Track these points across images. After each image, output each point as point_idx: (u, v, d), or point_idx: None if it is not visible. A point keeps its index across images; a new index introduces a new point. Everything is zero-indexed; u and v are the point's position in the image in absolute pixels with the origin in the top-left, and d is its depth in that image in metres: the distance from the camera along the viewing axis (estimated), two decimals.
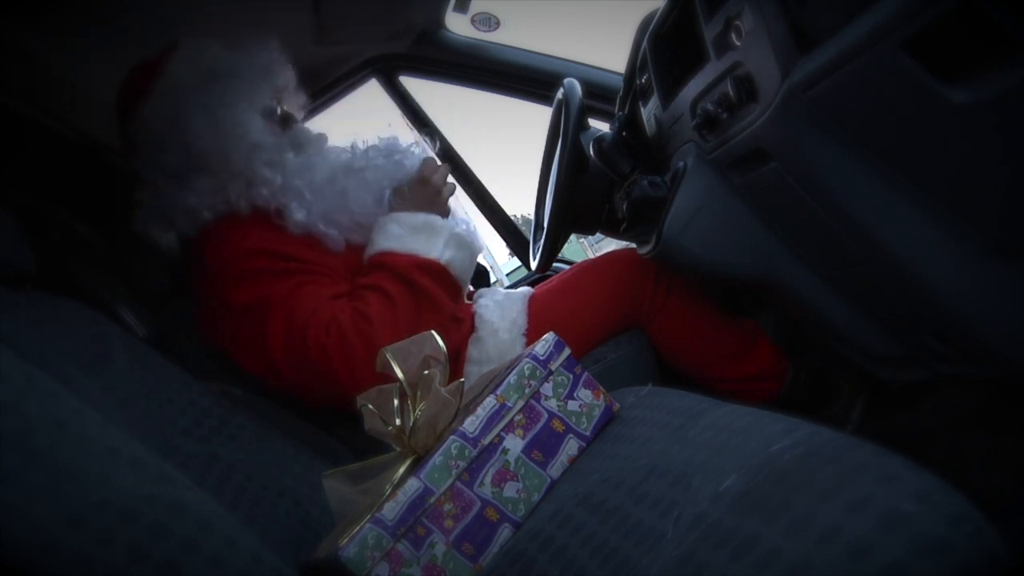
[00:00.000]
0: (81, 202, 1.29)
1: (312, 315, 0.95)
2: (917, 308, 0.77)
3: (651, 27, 1.01)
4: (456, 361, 1.08)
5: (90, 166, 1.37)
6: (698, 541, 0.38)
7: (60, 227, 1.19)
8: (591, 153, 1.10)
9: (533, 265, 1.29)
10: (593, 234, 1.32)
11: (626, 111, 1.20)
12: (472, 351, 1.11)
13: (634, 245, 1.14)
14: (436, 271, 1.02)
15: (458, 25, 1.58)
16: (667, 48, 1.00)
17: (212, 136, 1.02)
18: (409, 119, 1.72)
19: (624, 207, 1.00)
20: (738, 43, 0.78)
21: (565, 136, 1.11)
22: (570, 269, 1.26)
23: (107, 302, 1.11)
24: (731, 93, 0.80)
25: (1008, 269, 0.63)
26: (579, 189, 1.15)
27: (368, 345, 0.93)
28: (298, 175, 1.03)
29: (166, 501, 0.54)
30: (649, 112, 1.08)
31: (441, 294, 1.02)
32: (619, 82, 1.61)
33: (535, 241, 1.33)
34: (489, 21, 1.51)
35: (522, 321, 1.14)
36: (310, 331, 0.95)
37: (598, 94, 1.55)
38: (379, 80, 1.71)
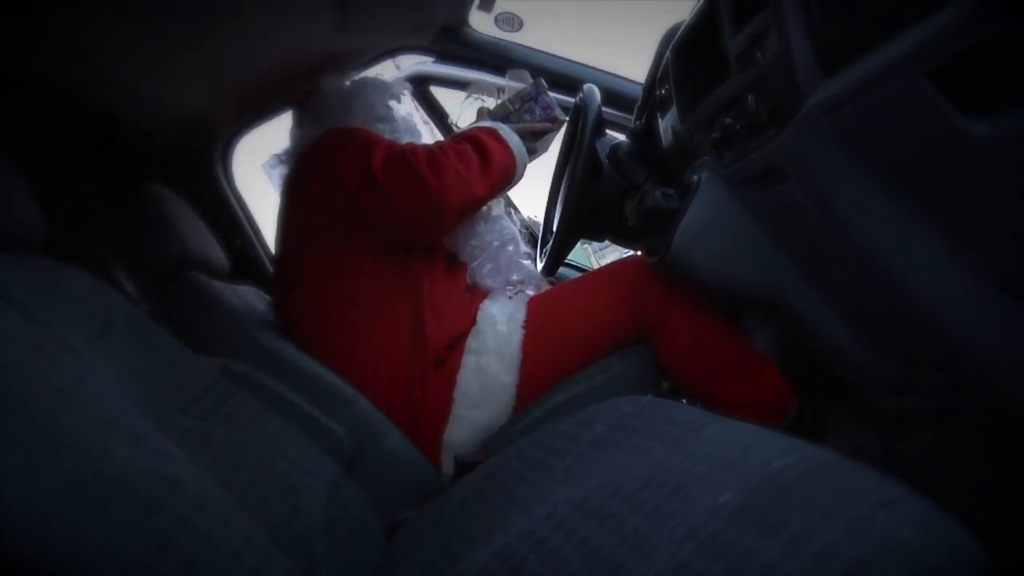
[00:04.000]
0: (95, 173, 1.29)
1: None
2: (920, 336, 0.77)
3: (675, 39, 1.02)
4: (456, 349, 1.13)
5: (106, 138, 1.37)
6: (694, 552, 0.38)
7: (72, 196, 1.19)
8: (605, 160, 1.10)
9: (539, 267, 1.29)
10: (602, 240, 1.32)
11: (643, 121, 1.20)
12: (471, 342, 1.14)
13: (640, 253, 1.14)
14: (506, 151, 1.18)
15: (481, 23, 1.59)
16: (689, 61, 1.00)
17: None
18: (439, 129, 1.80)
19: (635, 216, 1.00)
20: (762, 61, 0.78)
21: (581, 142, 1.11)
22: (578, 276, 1.28)
23: (114, 274, 1.11)
24: (752, 110, 0.80)
25: (1015, 305, 0.63)
26: (591, 195, 1.15)
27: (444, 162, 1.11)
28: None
29: (162, 476, 0.54)
30: (666, 124, 1.08)
31: (498, 168, 1.15)
32: (637, 91, 1.61)
33: (543, 244, 1.33)
34: (512, 21, 1.52)
35: (520, 315, 1.16)
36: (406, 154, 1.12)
37: (615, 102, 1.55)
38: (413, 92, 1.77)
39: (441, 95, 1.81)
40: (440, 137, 1.68)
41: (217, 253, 1.28)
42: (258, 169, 1.40)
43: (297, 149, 1.25)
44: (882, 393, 0.97)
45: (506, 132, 1.17)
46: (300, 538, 0.77)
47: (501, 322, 1.13)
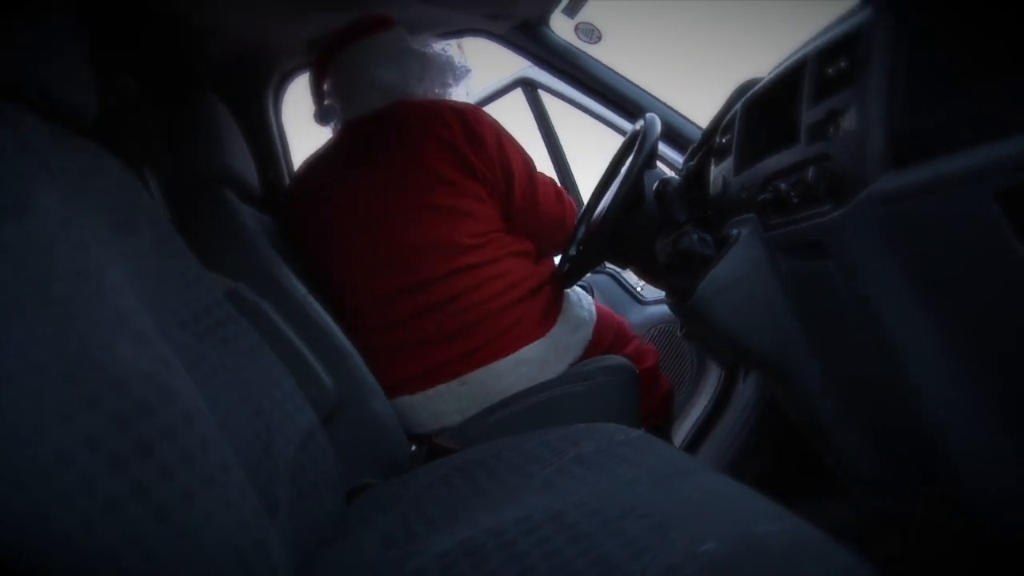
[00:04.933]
0: (149, 75, 1.29)
1: None
2: (917, 443, 0.78)
3: (750, 94, 1.02)
4: (549, 318, 1.25)
5: (165, 44, 1.37)
6: None
7: (122, 91, 1.19)
8: (649, 192, 1.11)
9: (557, 275, 1.30)
10: (624, 268, 1.33)
11: (695, 163, 1.20)
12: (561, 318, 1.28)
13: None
14: None
15: (561, 27, 1.59)
16: (758, 118, 1.01)
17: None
18: (541, 134, 1.89)
19: (666, 253, 1.01)
20: (833, 137, 0.78)
21: (631, 168, 1.11)
22: None
23: (144, 176, 1.11)
24: (810, 181, 0.81)
25: (1016, 444, 0.63)
26: (626, 222, 1.15)
27: None
28: None
29: (158, 383, 0.55)
30: (719, 172, 1.09)
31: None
32: (690, 130, 1.62)
33: (567, 254, 1.33)
34: (591, 32, 1.52)
35: (593, 310, 1.37)
36: None
37: (667, 135, 1.56)
38: (525, 94, 1.86)
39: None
40: (543, 145, 1.84)
41: (253, 178, 1.29)
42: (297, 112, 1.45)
43: (382, 88, 1.25)
44: (860, 487, 0.98)
45: None
46: (266, 478, 0.77)
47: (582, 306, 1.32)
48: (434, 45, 1.33)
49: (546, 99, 1.88)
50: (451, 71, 1.32)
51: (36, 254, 0.52)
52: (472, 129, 1.20)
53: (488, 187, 1.21)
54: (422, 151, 1.19)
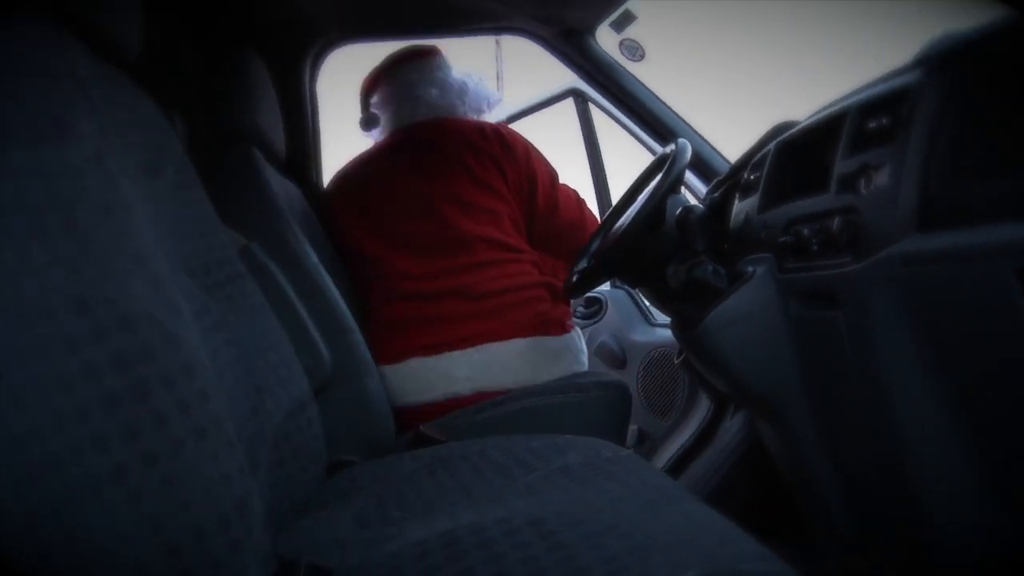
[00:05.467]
0: (194, 23, 1.29)
1: None
2: (899, 503, 0.78)
3: (785, 135, 1.02)
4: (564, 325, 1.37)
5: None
6: None
7: (167, 33, 1.19)
8: (671, 217, 1.11)
9: (566, 284, 1.30)
10: (633, 288, 1.33)
11: (719, 195, 1.21)
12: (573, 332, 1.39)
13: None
14: None
15: (606, 40, 1.59)
16: (790, 160, 1.01)
17: None
18: (586, 146, 1.94)
19: (678, 280, 1.01)
20: (863, 191, 0.79)
21: (657, 189, 1.11)
22: None
23: (173, 122, 1.11)
24: (833, 231, 0.81)
25: (1009, 518, 0.64)
26: (642, 243, 1.15)
27: None
28: None
29: (164, 330, 0.55)
30: (742, 207, 1.09)
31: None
32: (717, 162, 1.63)
33: (575, 266, 1.33)
34: (635, 50, 1.52)
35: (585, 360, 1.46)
36: None
37: (694, 163, 1.56)
38: (576, 104, 1.89)
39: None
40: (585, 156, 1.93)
41: (280, 141, 1.29)
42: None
43: (427, 104, 1.42)
44: (832, 538, 0.98)
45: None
46: (249, 439, 0.77)
47: None
48: (472, 76, 1.52)
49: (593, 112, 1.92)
50: (486, 99, 1.52)
51: (68, 180, 0.52)
52: (505, 141, 1.40)
53: (515, 191, 1.38)
54: (462, 154, 1.36)
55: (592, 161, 2.08)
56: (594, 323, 1.91)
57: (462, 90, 1.46)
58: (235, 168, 1.15)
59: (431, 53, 1.51)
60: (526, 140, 1.45)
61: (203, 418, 0.54)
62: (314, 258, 1.13)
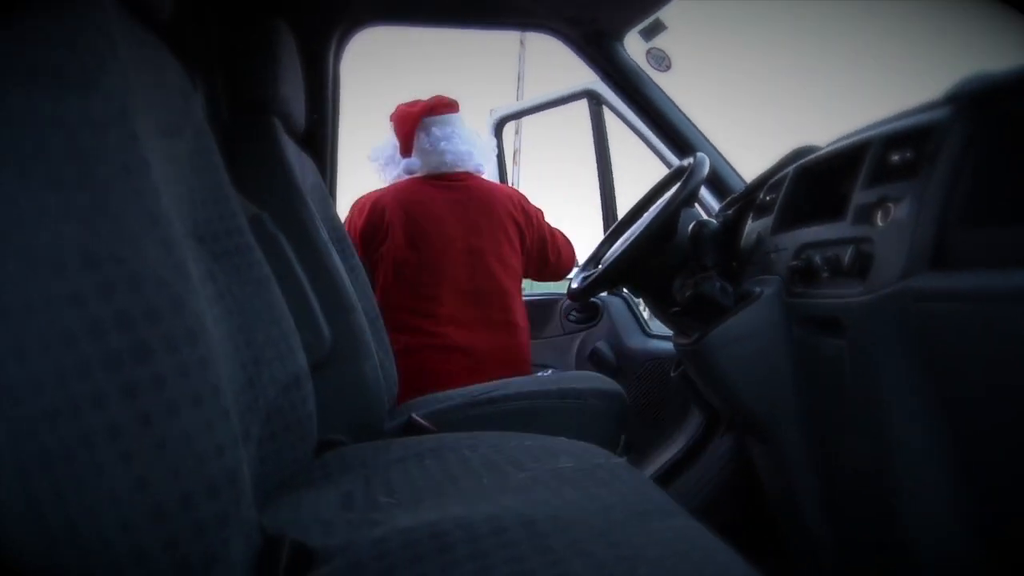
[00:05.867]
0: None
1: None
2: (885, 536, 0.78)
3: (805, 160, 1.02)
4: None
5: None
6: None
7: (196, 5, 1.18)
8: (685, 231, 1.10)
9: (571, 287, 1.30)
10: (637, 297, 1.32)
11: (732, 213, 1.20)
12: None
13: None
14: None
15: (633, 46, 1.59)
16: (808, 185, 1.01)
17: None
18: (596, 148, 2.03)
19: (684, 294, 1.01)
20: (880, 223, 0.79)
21: (672, 201, 1.11)
22: None
23: (196, 85, 1.11)
24: (845, 260, 0.81)
25: (988, 552, 0.64)
26: (651, 254, 1.15)
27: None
28: None
29: (172, 293, 0.54)
30: (755, 227, 1.09)
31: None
32: (733, 180, 1.62)
33: (583, 271, 1.33)
34: (662, 60, 1.52)
35: None
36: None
37: (709, 178, 1.56)
38: (589, 106, 1.96)
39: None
40: (593, 157, 2.11)
41: (300, 115, 1.28)
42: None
43: (454, 155, 1.74)
44: (815, 563, 0.98)
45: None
46: (244, 411, 0.76)
47: None
48: (480, 134, 1.85)
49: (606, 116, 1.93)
50: (492, 152, 1.92)
51: (90, 133, 0.51)
52: (526, 211, 1.79)
53: (527, 251, 1.78)
54: (500, 217, 1.74)
55: (601, 165, 2.08)
56: (590, 327, 1.91)
57: (480, 147, 1.79)
58: (254, 137, 1.14)
59: (454, 107, 1.81)
60: (535, 206, 1.84)
61: (201, 385, 0.54)
62: (324, 234, 1.13)
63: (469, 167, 1.75)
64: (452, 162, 1.72)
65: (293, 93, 1.23)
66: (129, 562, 0.46)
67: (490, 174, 2.01)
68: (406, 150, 1.76)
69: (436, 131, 1.73)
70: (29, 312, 0.45)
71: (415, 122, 1.75)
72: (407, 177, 1.76)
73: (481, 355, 1.61)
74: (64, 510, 0.42)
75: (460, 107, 1.83)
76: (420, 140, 1.73)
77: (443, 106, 1.78)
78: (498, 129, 2.35)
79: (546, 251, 1.81)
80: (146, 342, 0.51)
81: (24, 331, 0.44)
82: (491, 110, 2.37)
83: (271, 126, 1.15)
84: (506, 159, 2.40)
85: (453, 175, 1.73)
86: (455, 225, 1.68)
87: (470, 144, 1.74)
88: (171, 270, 0.55)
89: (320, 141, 1.56)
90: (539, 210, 1.83)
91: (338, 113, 1.63)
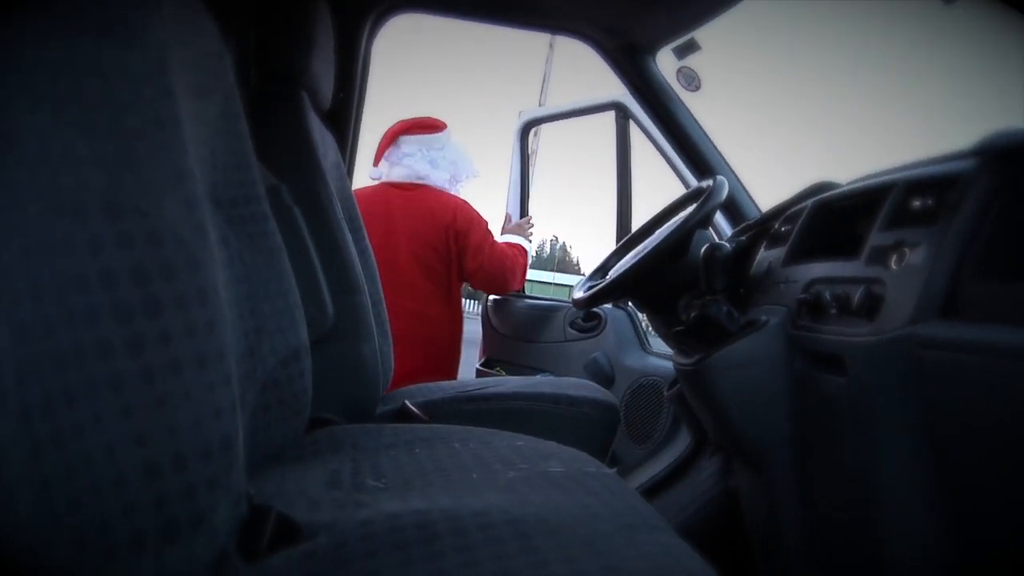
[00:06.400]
0: None
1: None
2: (863, 571, 0.78)
3: (825, 195, 1.02)
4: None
5: None
6: None
7: None
8: (694, 249, 1.11)
9: (576, 296, 1.30)
10: (641, 312, 1.33)
11: (746, 239, 1.21)
12: None
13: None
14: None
15: (665, 63, 1.59)
16: (825, 221, 1.01)
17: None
18: (618, 161, 2.06)
19: (690, 314, 1.01)
20: (894, 266, 0.79)
21: (687, 221, 1.11)
22: None
23: (230, 49, 1.11)
24: (855, 300, 0.81)
25: None
26: (660, 271, 1.15)
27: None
28: None
29: (190, 252, 0.54)
30: (766, 256, 1.09)
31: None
32: (748, 207, 1.62)
33: (590, 280, 1.33)
34: (692, 80, 1.52)
35: None
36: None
37: (725, 202, 1.56)
38: (616, 119, 2.00)
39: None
40: (615, 167, 2.19)
41: (328, 91, 1.28)
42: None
43: (416, 173, 2.05)
44: None
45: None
46: (242, 380, 0.76)
47: None
48: (460, 154, 2.13)
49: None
50: (464, 174, 2.15)
51: (127, 83, 0.52)
52: (459, 219, 2.01)
53: (449, 254, 2.01)
54: (434, 220, 2.00)
55: (621, 177, 2.09)
56: (590, 337, 1.92)
57: (449, 169, 2.08)
58: (280, 107, 1.14)
59: (436, 127, 2.09)
60: (479, 219, 2.06)
61: (207, 347, 0.54)
62: (339, 212, 1.13)
63: (426, 182, 2.04)
64: (406, 175, 2.04)
65: (323, 69, 1.23)
66: (117, 516, 0.46)
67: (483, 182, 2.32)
68: (376, 160, 2.11)
69: (405, 148, 2.06)
70: (48, 254, 0.45)
71: (391, 138, 2.09)
72: (376, 183, 2.11)
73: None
74: (62, 457, 0.42)
75: (445, 127, 2.13)
76: (390, 153, 2.09)
77: (421, 127, 2.09)
78: (524, 133, 2.37)
79: (465, 258, 2.02)
80: (158, 297, 0.51)
81: (41, 272, 0.44)
82: (520, 112, 2.38)
83: (299, 98, 1.15)
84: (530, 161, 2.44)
85: (408, 184, 2.05)
86: (394, 222, 1.98)
87: (433, 165, 2.05)
88: (191, 229, 0.55)
89: (343, 120, 1.57)
90: (480, 223, 2.05)
91: (364, 95, 1.63)
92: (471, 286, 2.12)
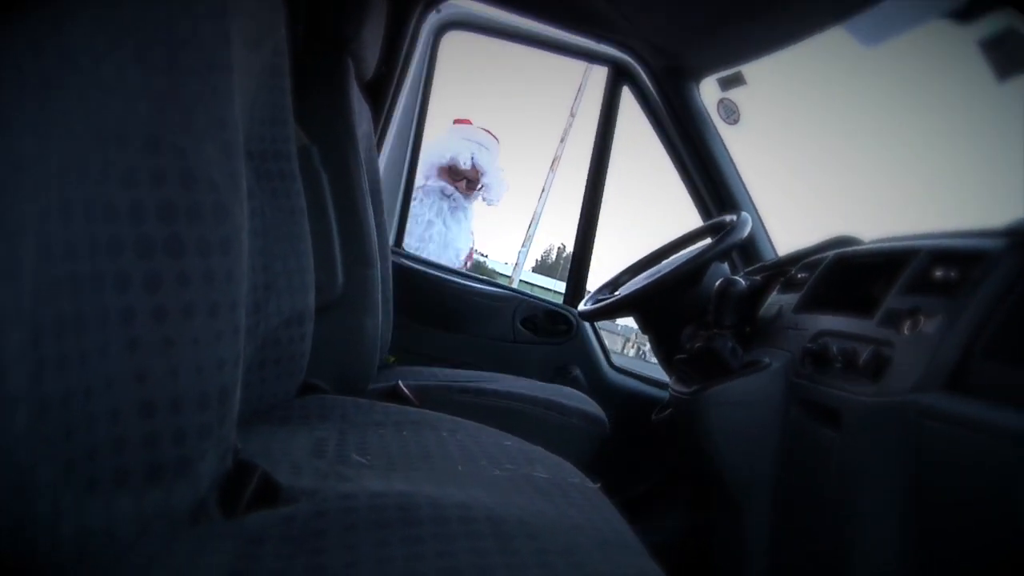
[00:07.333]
0: None
1: None
2: None
3: (847, 249, 1.02)
4: None
5: None
6: None
7: None
8: (708, 281, 1.11)
9: (581, 307, 1.30)
10: (645, 333, 1.32)
11: (760, 280, 1.21)
12: None
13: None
14: None
15: (707, 91, 1.58)
16: (843, 275, 1.01)
17: None
18: (599, 123, 1.80)
19: (693, 344, 1.01)
20: (906, 332, 0.79)
21: (707, 252, 1.11)
22: None
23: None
24: (862, 358, 0.81)
25: None
26: (671, 296, 1.15)
27: None
28: None
29: (219, 198, 0.54)
30: (778, 299, 1.09)
31: None
32: (764, 247, 1.62)
33: (600, 293, 1.33)
34: (732, 113, 1.51)
35: None
36: None
37: (743, 243, 1.55)
38: (609, 79, 1.79)
39: None
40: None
41: (372, 62, 1.28)
42: None
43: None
44: None
45: None
46: (246, 332, 0.76)
47: None
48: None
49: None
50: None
51: (185, 23, 0.52)
52: None
53: None
54: None
55: (600, 149, 1.79)
56: (562, 343, 1.73)
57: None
58: (324, 69, 1.14)
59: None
60: None
61: (222, 296, 0.53)
62: (365, 183, 1.13)
63: None
64: None
65: (372, 39, 1.23)
66: (106, 449, 0.46)
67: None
68: None
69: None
70: (83, 178, 0.45)
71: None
72: None
73: None
74: (63, 382, 0.42)
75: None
76: None
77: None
78: (437, 35, 1.77)
79: None
80: (181, 239, 0.51)
81: (74, 194, 0.44)
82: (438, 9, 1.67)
83: (344, 63, 1.15)
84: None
85: None
86: None
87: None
88: (225, 176, 0.55)
89: (382, 94, 1.56)
90: None
91: (407, 72, 1.63)
92: None
